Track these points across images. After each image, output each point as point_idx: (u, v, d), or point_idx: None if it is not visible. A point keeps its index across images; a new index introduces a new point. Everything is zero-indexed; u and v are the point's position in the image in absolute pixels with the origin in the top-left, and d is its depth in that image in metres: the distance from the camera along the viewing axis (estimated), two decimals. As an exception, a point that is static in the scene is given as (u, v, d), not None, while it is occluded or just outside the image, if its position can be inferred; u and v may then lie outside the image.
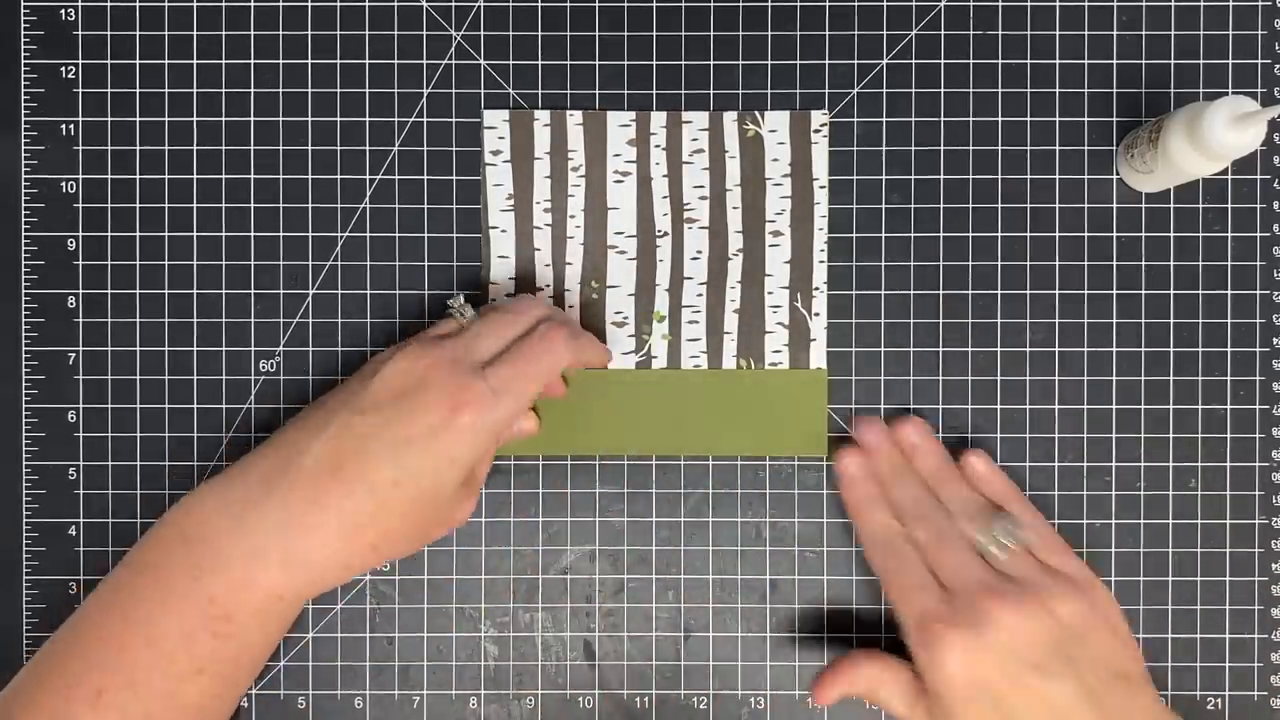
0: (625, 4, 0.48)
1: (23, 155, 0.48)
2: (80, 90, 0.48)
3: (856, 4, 0.48)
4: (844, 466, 0.46)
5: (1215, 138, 0.40)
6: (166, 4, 0.48)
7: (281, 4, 0.48)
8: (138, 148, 0.48)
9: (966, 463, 0.46)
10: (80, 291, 0.48)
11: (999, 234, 0.48)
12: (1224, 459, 0.48)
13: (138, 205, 0.48)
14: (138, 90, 0.48)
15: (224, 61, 0.48)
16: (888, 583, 0.44)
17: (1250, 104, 0.40)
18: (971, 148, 0.48)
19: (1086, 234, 0.48)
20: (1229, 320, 0.48)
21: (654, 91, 0.48)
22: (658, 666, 0.48)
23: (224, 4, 0.48)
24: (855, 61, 0.48)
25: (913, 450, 0.46)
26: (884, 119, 0.48)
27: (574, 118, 0.48)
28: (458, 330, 0.43)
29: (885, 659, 0.44)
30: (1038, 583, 0.42)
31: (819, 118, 0.48)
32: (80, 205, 0.48)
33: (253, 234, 0.48)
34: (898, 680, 0.43)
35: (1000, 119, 0.48)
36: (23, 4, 0.48)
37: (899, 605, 0.43)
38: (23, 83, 0.48)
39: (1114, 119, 0.48)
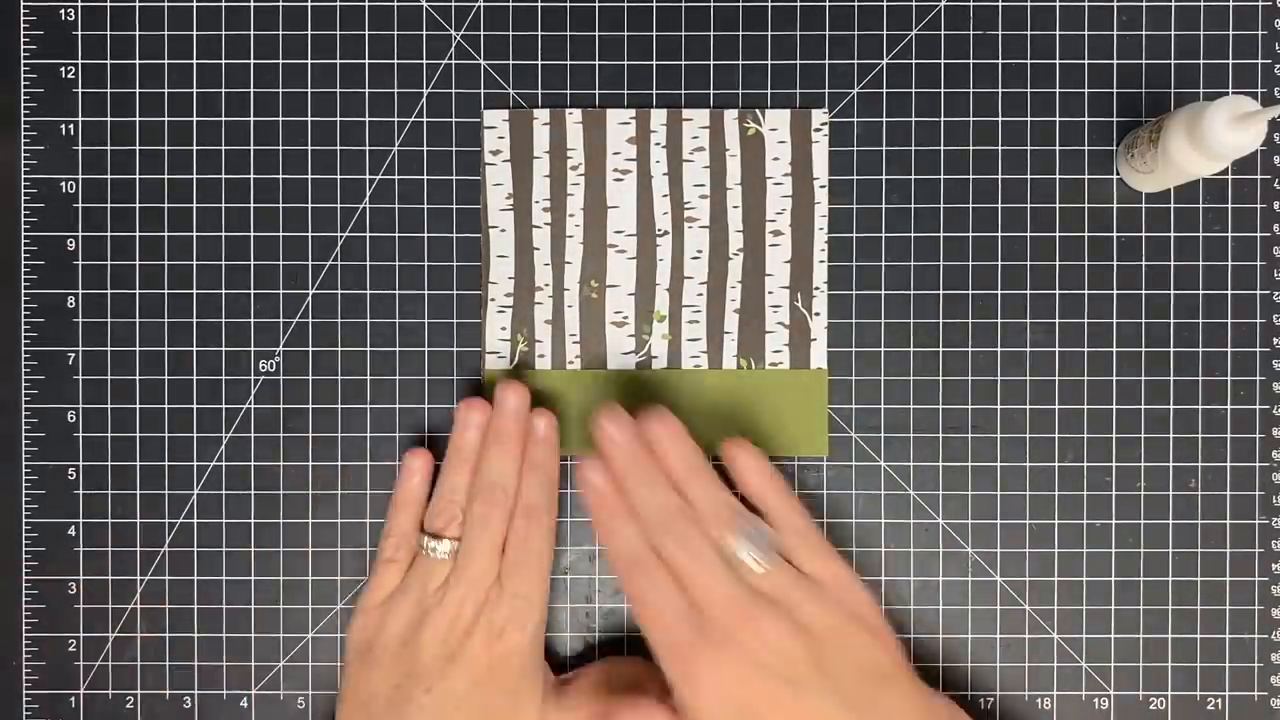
0: (625, 4, 0.48)
1: (22, 155, 0.48)
2: (80, 90, 0.48)
3: (856, 4, 0.48)
4: (585, 476, 0.41)
5: (1216, 137, 0.40)
6: (166, 4, 0.48)
7: (281, 4, 0.48)
8: (138, 148, 0.48)
9: (727, 453, 0.43)
10: (80, 291, 0.48)
11: (999, 234, 0.48)
12: (1224, 459, 0.48)
13: (138, 205, 0.48)
14: (137, 90, 0.48)
15: (224, 61, 0.48)
16: (637, 607, 0.40)
17: (1251, 104, 0.40)
18: (971, 148, 0.48)
19: (1086, 234, 0.48)
20: (1229, 320, 0.48)
21: (654, 91, 0.48)
22: (658, 666, 0.48)
23: (224, 4, 0.48)
24: (855, 61, 0.48)
25: (660, 449, 0.42)
26: (884, 119, 0.48)
27: (573, 116, 0.48)
28: (445, 564, 0.43)
29: (645, 709, 0.41)
30: (789, 595, 0.39)
31: (819, 117, 0.48)
32: (80, 205, 0.48)
33: (253, 234, 0.48)
34: None
35: (1000, 119, 0.48)
36: (22, 4, 0.48)
37: (650, 632, 0.39)
38: (23, 83, 0.48)
39: (1114, 119, 0.48)
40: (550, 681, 0.45)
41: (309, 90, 0.48)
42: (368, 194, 0.48)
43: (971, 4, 0.48)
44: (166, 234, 0.48)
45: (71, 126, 0.48)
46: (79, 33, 0.48)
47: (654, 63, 0.48)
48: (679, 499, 0.41)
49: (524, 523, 0.44)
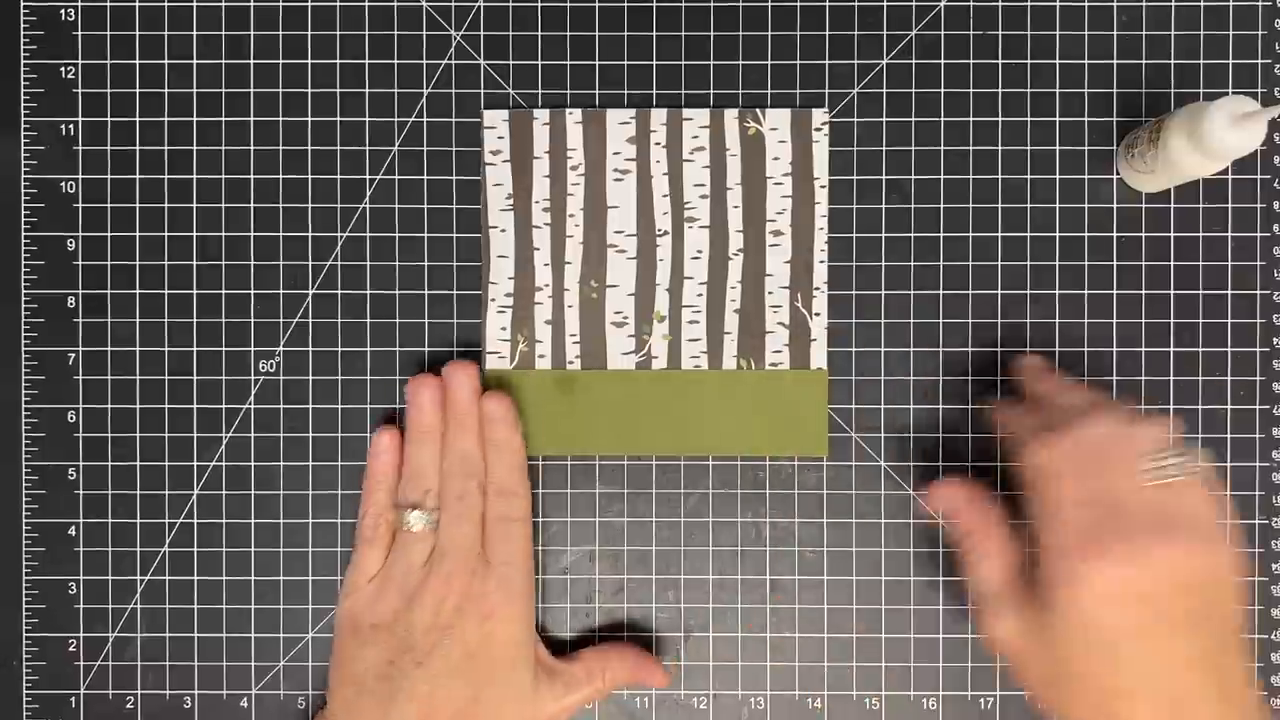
0: (625, 4, 0.48)
1: (23, 155, 0.48)
2: (80, 90, 0.48)
3: (856, 4, 0.48)
4: (1004, 416, 0.44)
5: (1216, 137, 0.40)
6: (166, 4, 0.48)
7: (281, 4, 0.48)
8: (138, 148, 0.48)
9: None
10: (80, 291, 0.48)
11: (999, 234, 0.48)
12: (1224, 459, 0.48)
13: (138, 205, 0.48)
14: (138, 90, 0.48)
15: (224, 61, 0.48)
16: (1045, 509, 0.39)
17: (1251, 104, 0.40)
18: (971, 148, 0.48)
19: (1086, 234, 0.48)
20: (1229, 320, 0.48)
21: (654, 91, 0.48)
22: (658, 666, 0.48)
23: (224, 4, 0.48)
24: (855, 61, 0.48)
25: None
26: (884, 119, 0.48)
27: (573, 116, 0.48)
28: (426, 539, 0.44)
29: (1008, 537, 0.41)
30: (1208, 526, 0.38)
31: (819, 117, 0.48)
32: (80, 205, 0.48)
33: (253, 234, 0.48)
34: (1007, 563, 0.41)
35: (1000, 119, 0.48)
36: (23, 4, 0.48)
37: (1052, 520, 0.39)
38: (23, 83, 0.48)
39: (1114, 119, 0.48)
40: (544, 656, 0.45)
41: (309, 90, 0.48)
42: (368, 194, 0.48)
43: (971, 4, 0.48)
44: (166, 234, 0.48)
45: (71, 126, 0.48)
46: (79, 33, 0.48)
47: (654, 63, 0.48)
48: (1118, 428, 0.39)
49: (498, 499, 0.45)
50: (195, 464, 0.48)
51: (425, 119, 0.48)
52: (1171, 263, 0.48)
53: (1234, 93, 0.47)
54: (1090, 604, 0.37)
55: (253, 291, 0.48)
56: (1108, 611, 0.37)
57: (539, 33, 0.48)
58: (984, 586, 0.41)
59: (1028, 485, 0.41)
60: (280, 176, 0.48)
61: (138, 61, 0.48)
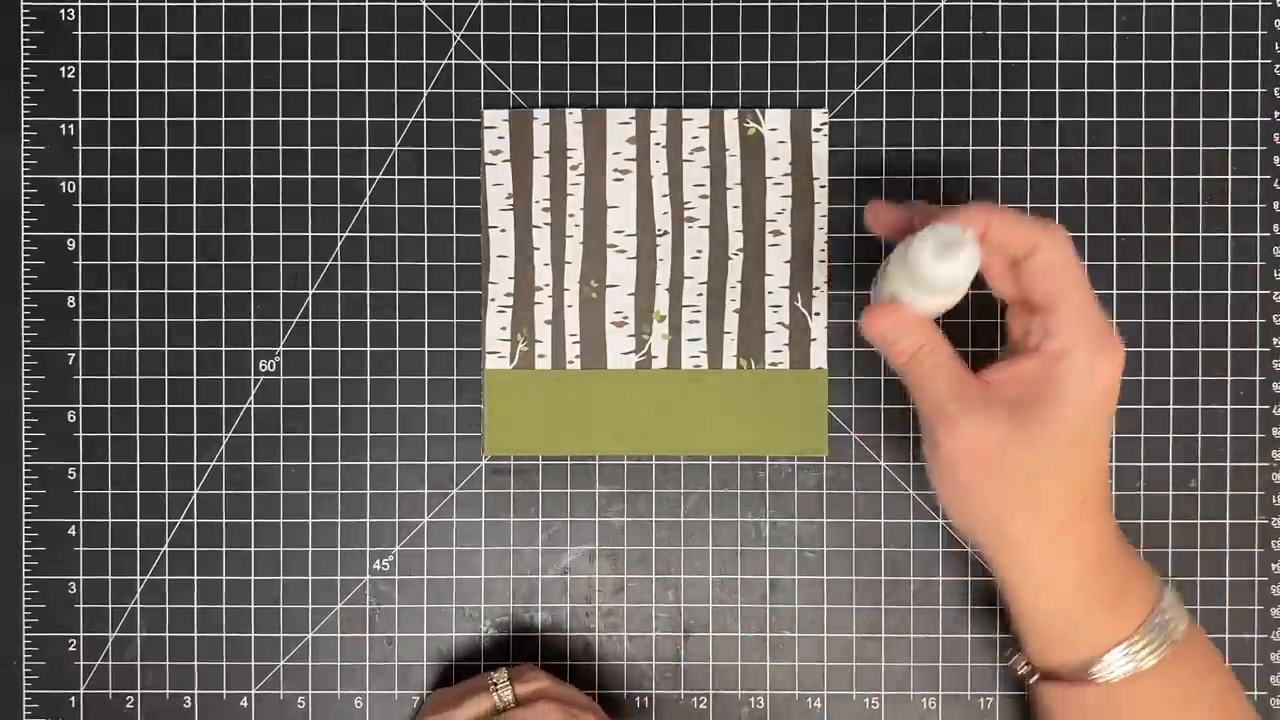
0: (625, 4, 0.48)
1: (23, 155, 0.48)
2: (80, 90, 0.48)
3: (856, 4, 0.48)
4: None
5: (924, 269, 0.38)
6: (166, 4, 0.48)
7: (281, 4, 0.48)
8: (137, 148, 0.48)
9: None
10: (80, 291, 0.48)
11: (999, 234, 0.48)
12: (1224, 459, 0.48)
13: (137, 205, 0.48)
14: (137, 90, 0.48)
15: (224, 61, 0.48)
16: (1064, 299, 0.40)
17: (954, 232, 0.37)
18: (971, 148, 0.48)
19: (1086, 234, 0.48)
20: (1229, 320, 0.48)
21: (654, 91, 0.48)
22: (658, 666, 0.48)
23: (224, 4, 0.48)
24: (855, 61, 0.48)
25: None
26: (884, 119, 0.48)
27: (573, 116, 0.48)
28: (491, 713, 0.43)
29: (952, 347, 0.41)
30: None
31: (819, 117, 0.48)
32: (80, 205, 0.48)
33: (253, 234, 0.48)
34: (961, 372, 0.41)
35: (1000, 119, 0.48)
36: (23, 4, 0.48)
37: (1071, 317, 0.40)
38: (23, 83, 0.48)
39: (1113, 119, 0.48)
40: None
41: (309, 90, 0.48)
42: (368, 194, 0.48)
43: (971, 4, 0.48)
44: (166, 234, 0.48)
45: (71, 126, 0.48)
46: (79, 33, 0.48)
47: (654, 63, 0.48)
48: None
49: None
50: (195, 464, 0.48)
51: (425, 119, 0.48)
52: (1171, 263, 0.48)
53: (942, 225, 0.39)
54: (1112, 383, 0.40)
55: (253, 291, 0.48)
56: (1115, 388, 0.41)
57: (539, 33, 0.48)
58: (944, 396, 0.40)
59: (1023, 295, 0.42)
60: (280, 176, 0.48)
61: (138, 61, 0.48)
